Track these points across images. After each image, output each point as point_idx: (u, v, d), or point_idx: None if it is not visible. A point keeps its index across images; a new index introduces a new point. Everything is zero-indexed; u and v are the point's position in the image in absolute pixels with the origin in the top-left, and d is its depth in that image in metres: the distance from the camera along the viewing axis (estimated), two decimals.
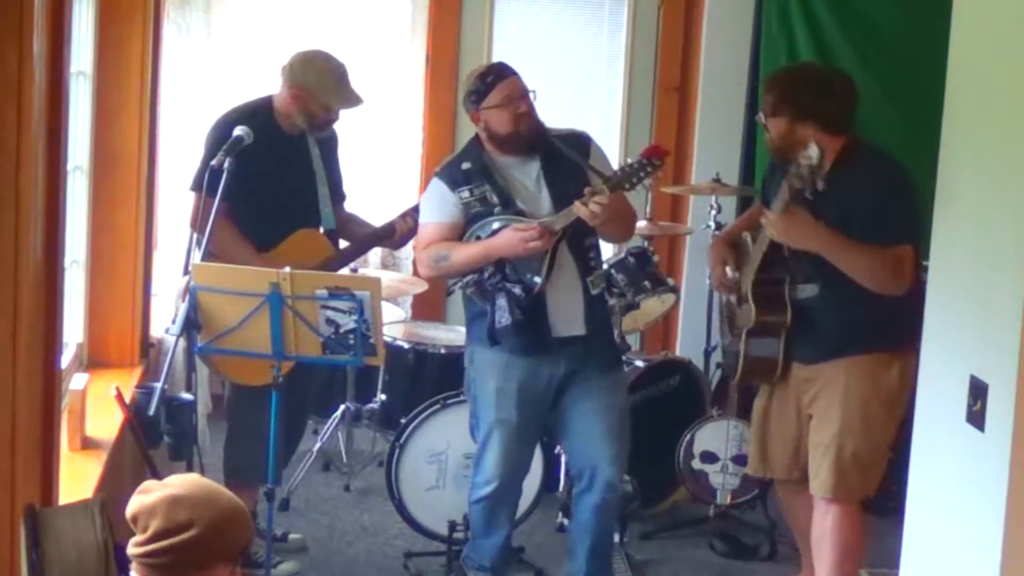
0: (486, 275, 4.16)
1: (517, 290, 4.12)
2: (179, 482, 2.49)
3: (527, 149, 4.19)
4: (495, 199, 4.16)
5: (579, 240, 4.17)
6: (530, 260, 4.11)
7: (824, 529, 4.16)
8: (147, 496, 2.47)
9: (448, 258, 4.21)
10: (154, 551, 2.43)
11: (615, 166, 4.21)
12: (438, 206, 4.25)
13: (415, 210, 4.71)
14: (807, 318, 4.10)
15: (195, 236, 4.44)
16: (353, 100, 4.65)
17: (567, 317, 4.19)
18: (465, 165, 4.23)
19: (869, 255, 3.95)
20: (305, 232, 4.61)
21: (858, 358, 4.07)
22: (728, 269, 4.33)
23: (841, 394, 4.07)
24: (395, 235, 4.75)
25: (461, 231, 4.22)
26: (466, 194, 4.19)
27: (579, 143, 4.27)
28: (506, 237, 4.10)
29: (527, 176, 4.21)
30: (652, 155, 4.03)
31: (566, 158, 4.18)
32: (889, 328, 4.02)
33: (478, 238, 4.18)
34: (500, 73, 4.22)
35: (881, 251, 3.95)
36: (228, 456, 4.65)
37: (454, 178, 4.22)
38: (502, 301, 4.14)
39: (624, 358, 5.29)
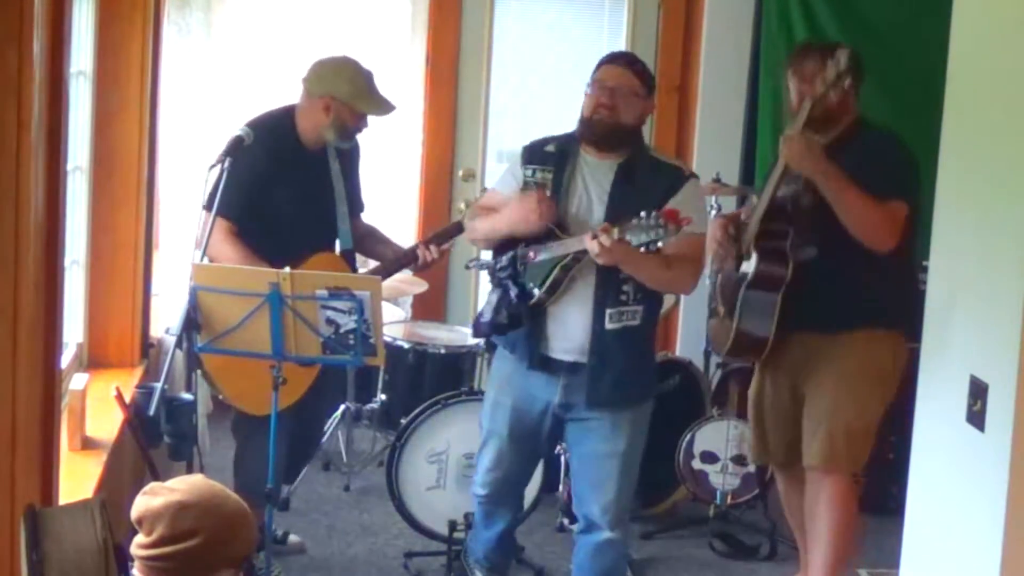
0: (498, 265, 4.02)
1: (513, 292, 3.93)
2: (185, 487, 2.48)
3: (596, 142, 3.93)
4: (548, 192, 3.95)
5: (612, 269, 3.83)
6: (538, 269, 3.91)
7: (819, 498, 4.19)
8: (153, 499, 2.46)
9: (474, 220, 4.12)
10: (157, 556, 2.44)
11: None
12: (505, 176, 4.13)
13: (436, 238, 4.64)
14: (804, 282, 4.10)
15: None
16: (387, 106, 4.54)
17: (566, 341, 3.94)
18: (549, 147, 4.03)
19: (864, 202, 3.97)
20: (324, 256, 4.47)
21: (852, 333, 4.12)
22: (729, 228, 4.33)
23: (836, 368, 4.13)
24: (417, 261, 4.64)
25: None
26: (530, 173, 4.01)
27: (672, 177, 3.93)
28: (511, 206, 3.94)
29: (599, 184, 3.94)
30: (668, 218, 3.65)
31: (645, 184, 3.90)
32: (883, 307, 4.11)
33: None
34: (611, 57, 4.05)
35: (876, 202, 3.98)
36: (239, 475, 4.60)
37: (532, 154, 4.05)
38: (494, 297, 3.99)
39: None
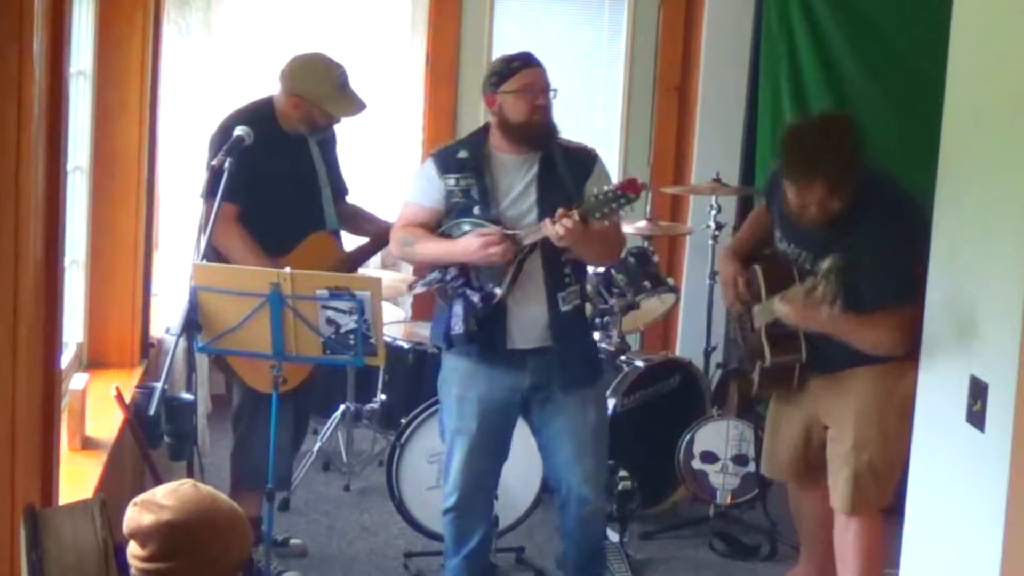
0: (448, 277, 4.10)
1: (476, 298, 4.04)
2: (175, 503, 2.44)
3: (533, 144, 4.09)
4: (476, 196, 4.07)
5: (555, 254, 4.03)
6: (494, 269, 4.02)
7: (846, 540, 4.13)
8: (143, 516, 2.43)
9: (413, 245, 4.17)
10: (151, 570, 2.42)
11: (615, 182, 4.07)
12: (423, 188, 4.19)
13: None
14: (821, 340, 4.03)
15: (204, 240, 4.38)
16: (356, 107, 4.60)
17: (528, 330, 4.08)
18: (461, 154, 4.14)
19: (873, 329, 3.90)
20: (316, 236, 4.56)
21: (872, 368, 4.03)
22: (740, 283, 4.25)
23: (855, 406, 4.05)
24: None
25: (439, 218, 4.14)
26: (452, 182, 4.10)
27: (583, 160, 4.15)
28: (466, 242, 4.01)
29: (521, 178, 4.10)
30: (628, 188, 3.87)
31: (564, 170, 4.09)
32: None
33: (448, 236, 4.10)
34: (527, 61, 4.14)
35: (886, 322, 3.87)
36: (236, 463, 4.64)
37: (446, 163, 4.14)
38: (458, 308, 4.06)
39: (624, 358, 5.30)
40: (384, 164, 6.39)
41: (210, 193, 4.23)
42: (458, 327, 4.07)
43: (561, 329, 4.09)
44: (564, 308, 4.09)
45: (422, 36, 6.43)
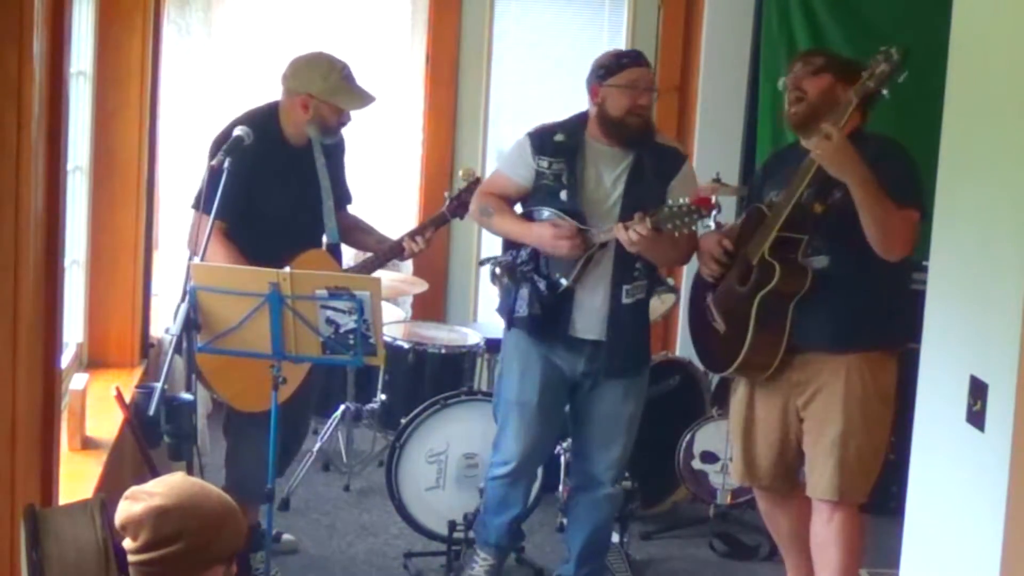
0: (519, 260, 4.25)
1: (542, 285, 4.20)
2: (165, 489, 2.45)
3: (627, 142, 4.19)
4: (565, 181, 4.18)
5: (627, 250, 4.12)
6: (563, 260, 4.15)
7: (829, 535, 4.10)
8: (134, 505, 2.44)
9: (491, 216, 4.33)
10: (144, 561, 2.43)
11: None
12: (514, 162, 4.33)
13: (423, 229, 4.66)
14: (815, 294, 4.00)
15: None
16: (365, 99, 4.50)
17: (590, 320, 4.23)
18: (559, 137, 4.25)
19: (890, 210, 3.88)
20: (312, 253, 4.46)
21: (858, 356, 4.02)
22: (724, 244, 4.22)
23: (842, 394, 4.03)
24: (403, 254, 4.65)
25: (523, 195, 4.29)
26: (544, 164, 4.22)
27: (672, 159, 4.26)
28: (540, 230, 4.16)
29: (612, 172, 4.22)
30: (701, 204, 3.97)
31: (654, 169, 4.19)
32: (889, 325, 4.02)
33: (528, 217, 4.26)
34: (636, 59, 4.27)
35: (897, 210, 3.90)
36: (229, 473, 4.60)
37: (542, 144, 4.25)
38: (525, 291, 4.24)
39: None
40: (384, 164, 6.38)
41: (200, 206, 4.14)
42: (522, 310, 4.24)
43: (617, 320, 4.21)
44: (626, 300, 4.21)
45: (422, 36, 6.43)
